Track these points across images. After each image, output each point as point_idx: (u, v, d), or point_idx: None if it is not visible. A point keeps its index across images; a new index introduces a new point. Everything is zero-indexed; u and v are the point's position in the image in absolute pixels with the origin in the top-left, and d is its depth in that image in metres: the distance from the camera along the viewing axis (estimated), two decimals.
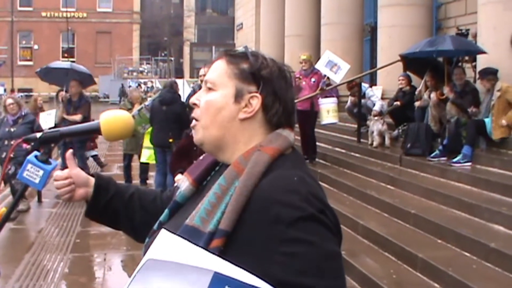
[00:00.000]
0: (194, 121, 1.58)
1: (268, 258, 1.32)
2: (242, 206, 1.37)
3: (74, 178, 1.83)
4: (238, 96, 1.53)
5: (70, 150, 1.92)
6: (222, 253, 1.29)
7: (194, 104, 1.59)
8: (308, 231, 1.33)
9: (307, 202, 1.36)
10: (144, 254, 1.58)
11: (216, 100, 1.54)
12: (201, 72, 8.07)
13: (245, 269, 1.20)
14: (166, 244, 1.23)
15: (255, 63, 1.54)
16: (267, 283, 1.20)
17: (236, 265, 1.20)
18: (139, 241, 1.86)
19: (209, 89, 1.57)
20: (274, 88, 1.53)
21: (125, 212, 1.86)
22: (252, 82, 1.53)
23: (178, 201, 1.64)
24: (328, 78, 10.52)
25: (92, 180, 1.86)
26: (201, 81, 11.19)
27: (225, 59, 1.58)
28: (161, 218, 1.64)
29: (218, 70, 1.57)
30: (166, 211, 1.64)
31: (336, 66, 10.39)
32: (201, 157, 1.73)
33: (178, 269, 1.20)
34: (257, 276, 1.19)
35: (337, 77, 10.47)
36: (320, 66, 10.46)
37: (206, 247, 1.30)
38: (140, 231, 1.82)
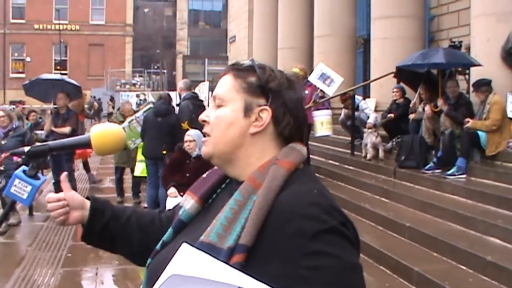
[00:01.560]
0: (205, 136, 1.57)
1: (291, 272, 1.30)
2: (262, 221, 1.34)
3: (68, 201, 1.76)
4: (247, 110, 1.51)
5: (65, 173, 1.86)
6: (243, 268, 1.25)
7: (204, 121, 1.56)
8: (330, 244, 1.32)
9: (328, 215, 1.35)
10: (149, 274, 1.53)
11: (226, 116, 1.52)
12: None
13: (268, 284, 1.17)
14: (188, 259, 1.19)
15: (262, 75, 1.52)
16: None
17: (258, 280, 1.17)
18: (137, 263, 1.83)
19: (218, 106, 1.54)
20: (283, 100, 1.51)
21: (123, 235, 1.80)
22: (261, 95, 1.51)
23: (183, 220, 1.60)
24: (321, 90, 10.51)
25: (88, 203, 1.79)
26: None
27: (232, 73, 1.56)
28: (165, 237, 1.59)
29: (226, 86, 1.55)
30: (170, 230, 1.60)
31: (329, 78, 10.39)
32: (204, 175, 1.69)
33: (201, 285, 1.16)
34: None
35: (330, 90, 10.48)
36: (313, 78, 10.46)
37: (226, 263, 1.26)
38: (138, 254, 1.78)
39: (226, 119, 1.52)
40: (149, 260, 1.58)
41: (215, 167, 1.65)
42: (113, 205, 1.85)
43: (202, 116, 1.57)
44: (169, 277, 1.18)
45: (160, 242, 1.59)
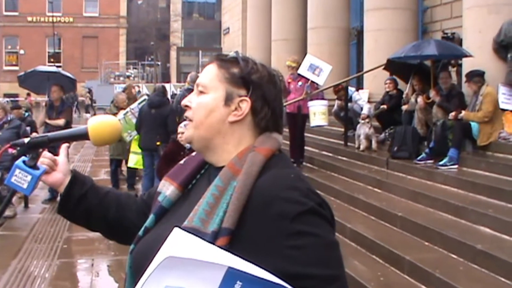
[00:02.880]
0: (187, 121, 1.63)
1: (275, 253, 1.37)
2: (243, 205, 1.41)
3: (60, 164, 1.86)
4: (228, 100, 1.57)
5: (65, 144, 1.93)
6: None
7: (186, 106, 1.63)
8: (310, 224, 1.40)
9: (307, 197, 1.43)
10: (132, 259, 1.59)
11: (207, 103, 1.58)
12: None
13: (255, 264, 1.23)
14: (181, 242, 1.25)
15: (245, 67, 1.59)
16: (277, 277, 1.24)
17: (246, 260, 1.23)
18: (113, 240, 1.94)
19: (201, 92, 1.61)
20: (263, 93, 1.58)
21: (99, 210, 1.86)
22: (242, 86, 1.57)
23: (164, 206, 1.65)
24: (312, 82, 10.56)
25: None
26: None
27: (216, 63, 1.62)
28: (147, 223, 1.64)
29: (210, 74, 1.61)
30: (151, 216, 1.65)
31: (318, 68, 10.47)
32: (182, 161, 1.75)
33: (193, 266, 1.23)
34: (266, 270, 1.23)
35: (320, 79, 10.56)
36: (303, 71, 10.52)
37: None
38: (113, 230, 1.89)
39: (207, 106, 1.58)
40: (132, 246, 1.64)
41: (193, 154, 1.72)
42: (93, 180, 1.92)
43: (184, 101, 1.64)
44: (165, 259, 1.23)
45: (142, 228, 1.64)
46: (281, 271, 1.29)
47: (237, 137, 1.58)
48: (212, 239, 1.38)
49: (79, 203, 1.85)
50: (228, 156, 1.55)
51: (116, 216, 1.86)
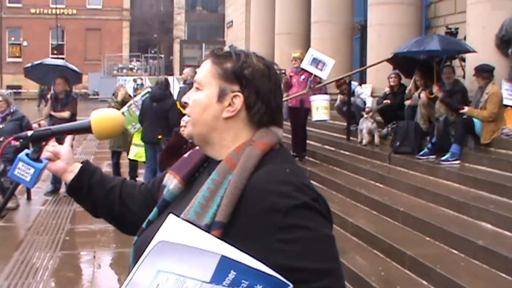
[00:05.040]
0: (187, 117, 1.65)
1: (268, 246, 1.38)
2: (237, 199, 1.42)
3: (62, 152, 1.88)
4: (221, 96, 1.58)
5: (70, 135, 1.94)
6: None
7: (185, 103, 1.65)
8: (303, 217, 1.41)
9: (300, 192, 1.44)
10: (135, 251, 1.60)
11: (201, 100, 1.60)
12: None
13: (249, 255, 1.25)
14: (175, 228, 1.26)
15: (237, 62, 1.58)
16: (270, 269, 1.25)
17: (241, 250, 1.25)
18: (122, 230, 1.96)
19: (197, 88, 1.62)
20: (256, 87, 1.57)
21: (104, 202, 1.89)
22: (235, 82, 1.57)
23: (167, 200, 1.66)
24: (315, 76, 10.54)
25: (78, 166, 1.89)
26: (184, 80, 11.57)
27: (211, 59, 1.63)
28: (150, 216, 1.66)
29: (204, 71, 1.62)
30: (155, 209, 1.67)
31: (321, 63, 10.45)
32: (186, 155, 1.76)
33: (187, 252, 1.24)
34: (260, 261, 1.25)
35: (324, 74, 10.53)
36: (305, 65, 10.50)
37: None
38: (119, 221, 1.92)
39: (201, 103, 1.59)
40: (135, 238, 1.65)
41: (197, 148, 1.73)
42: (102, 173, 1.94)
43: (183, 99, 1.66)
44: (158, 243, 1.24)
45: (146, 221, 1.66)
46: (273, 263, 1.29)
47: (232, 133, 1.58)
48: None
49: (85, 194, 1.88)
50: (227, 151, 1.56)
51: (120, 208, 1.88)
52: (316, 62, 10.42)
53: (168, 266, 1.25)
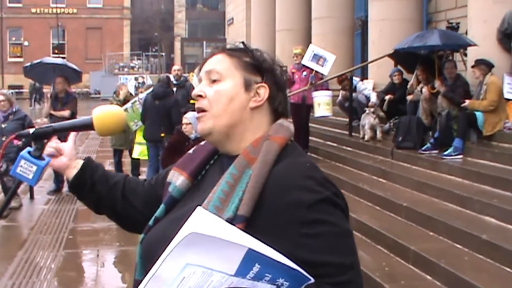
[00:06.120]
0: (200, 112, 1.60)
1: (290, 240, 1.38)
2: (259, 193, 1.42)
3: (65, 149, 1.86)
4: (247, 86, 1.58)
5: (74, 133, 1.93)
6: None
7: (199, 95, 1.60)
8: (326, 212, 1.43)
9: (323, 186, 1.45)
10: (143, 248, 1.58)
11: (227, 90, 1.58)
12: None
13: (274, 248, 1.25)
14: (203, 221, 1.25)
15: (256, 56, 1.62)
16: (294, 263, 1.27)
17: (266, 244, 1.25)
18: (124, 227, 1.95)
19: (214, 81, 1.59)
20: (275, 79, 1.61)
21: (107, 198, 1.87)
22: (257, 73, 1.60)
23: (174, 196, 1.65)
24: (316, 72, 10.53)
25: (80, 162, 1.87)
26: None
27: (225, 53, 1.63)
28: (157, 214, 1.64)
29: (223, 63, 1.61)
30: (162, 206, 1.64)
31: (322, 58, 10.44)
32: (190, 151, 1.74)
33: (216, 245, 1.23)
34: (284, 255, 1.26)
35: (325, 70, 10.52)
36: (306, 61, 10.49)
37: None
38: (121, 218, 1.90)
39: (227, 93, 1.57)
40: (142, 236, 1.63)
41: (202, 143, 1.72)
42: (105, 169, 1.93)
43: (196, 92, 1.61)
44: (188, 234, 1.23)
45: (153, 218, 1.64)
46: (296, 258, 1.30)
47: (255, 124, 1.59)
48: None
49: (88, 190, 1.86)
50: (245, 144, 1.56)
51: (123, 204, 1.86)
52: (317, 58, 10.41)
53: (195, 259, 1.24)
